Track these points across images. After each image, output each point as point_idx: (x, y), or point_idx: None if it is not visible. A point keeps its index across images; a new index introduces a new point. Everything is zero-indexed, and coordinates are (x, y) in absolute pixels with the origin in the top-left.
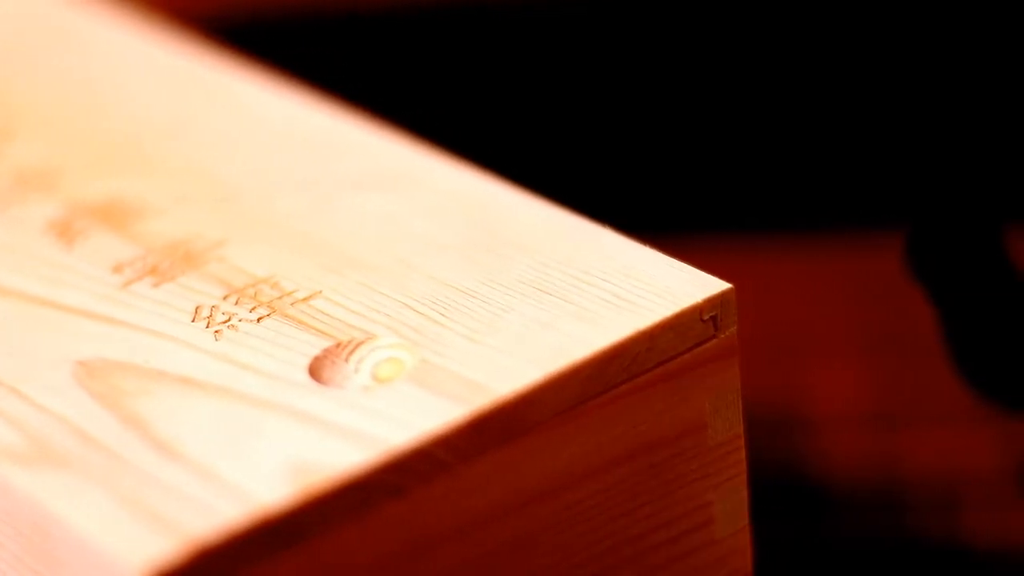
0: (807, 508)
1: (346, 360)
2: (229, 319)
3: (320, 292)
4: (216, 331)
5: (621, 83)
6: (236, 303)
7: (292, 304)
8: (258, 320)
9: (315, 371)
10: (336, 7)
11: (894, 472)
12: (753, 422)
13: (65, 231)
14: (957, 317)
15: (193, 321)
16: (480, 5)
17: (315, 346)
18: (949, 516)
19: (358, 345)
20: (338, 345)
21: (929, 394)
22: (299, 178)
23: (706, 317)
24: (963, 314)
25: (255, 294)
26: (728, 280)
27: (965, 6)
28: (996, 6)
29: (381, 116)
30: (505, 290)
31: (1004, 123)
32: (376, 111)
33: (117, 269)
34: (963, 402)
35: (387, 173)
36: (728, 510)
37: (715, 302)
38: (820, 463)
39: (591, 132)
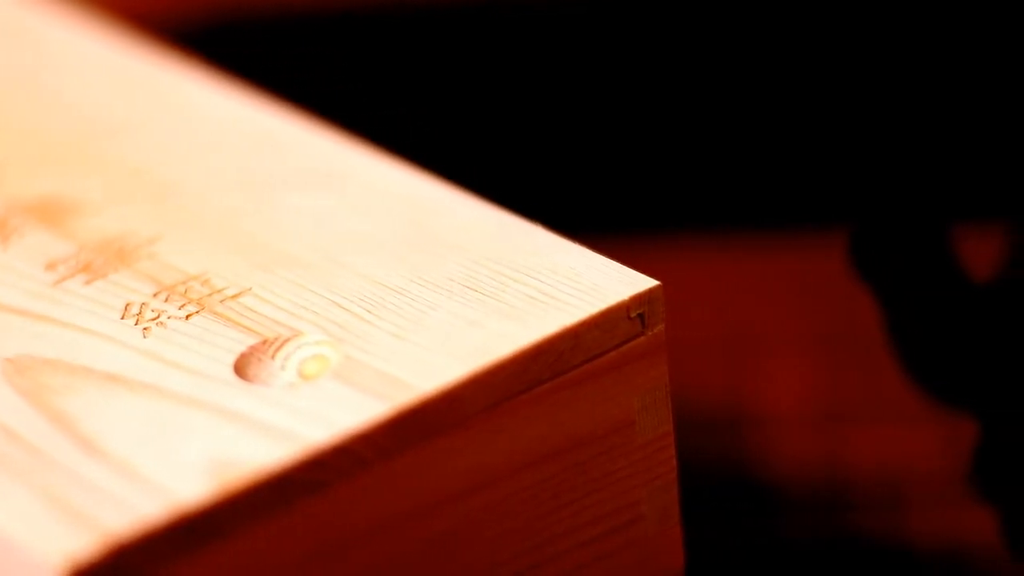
0: (754, 506)
1: (272, 357)
2: (158, 316)
3: (250, 289)
4: (145, 328)
5: (577, 81)
6: (166, 300)
7: (221, 301)
8: (187, 317)
9: (241, 368)
10: (286, 9)
11: (841, 471)
12: (701, 421)
13: (0, 229)
14: (902, 315)
15: (122, 318)
16: (415, 6)
17: (242, 343)
18: (895, 515)
19: (285, 342)
20: (264, 342)
21: (877, 393)
22: (238, 176)
23: (633, 315)
24: (908, 312)
25: (185, 291)
26: (677, 280)
27: (907, 5)
28: (939, 6)
29: (325, 115)
30: (434, 288)
31: (949, 122)
32: (321, 110)
33: (50, 267)
34: (910, 401)
35: (326, 172)
36: (658, 508)
37: (642, 300)
38: (768, 462)
39: (546, 133)
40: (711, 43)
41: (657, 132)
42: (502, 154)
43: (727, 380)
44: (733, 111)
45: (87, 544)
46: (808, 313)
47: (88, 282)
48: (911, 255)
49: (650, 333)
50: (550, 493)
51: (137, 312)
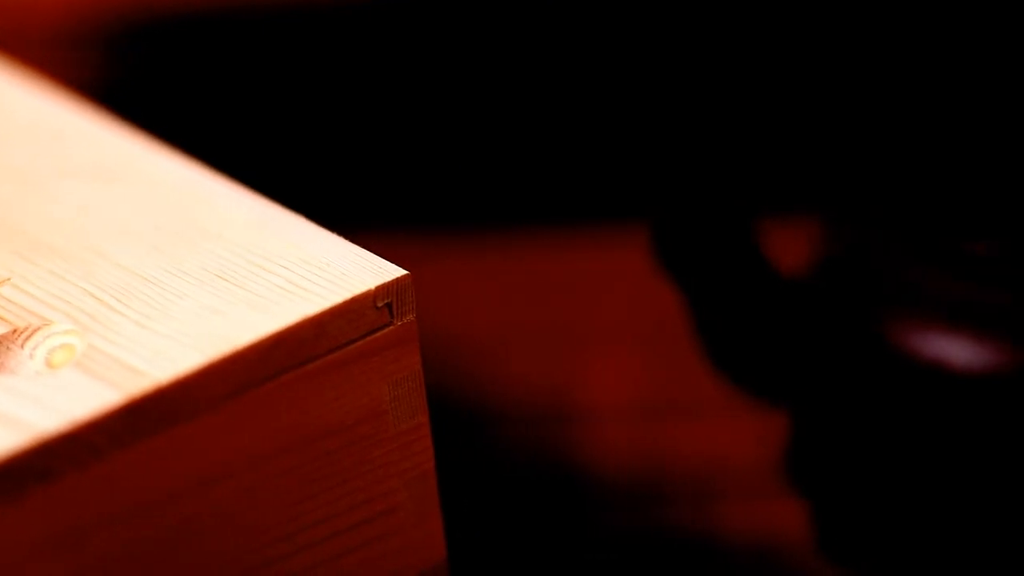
0: (573, 500)
1: (21, 347)
2: None
3: (9, 279)
4: None
5: (384, 76)
6: None
7: None
8: None
9: None
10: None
11: (658, 464)
12: (522, 416)
13: None
14: (706, 309)
15: None
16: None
17: None
18: (709, 508)
19: (34, 332)
20: (14, 331)
21: (696, 387)
22: (14, 168)
23: (380, 304)
24: (712, 306)
25: None
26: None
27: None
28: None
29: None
30: (186, 277)
31: (758, 116)
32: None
33: None
34: (728, 395)
35: (101, 164)
36: (415, 498)
37: (389, 289)
38: (588, 456)
39: (367, 130)
40: (511, 35)
41: (481, 127)
42: (323, 151)
43: (549, 375)
44: (552, 106)
45: None
46: (629, 308)
47: None
48: (714, 248)
49: (399, 323)
50: (298, 482)
51: None
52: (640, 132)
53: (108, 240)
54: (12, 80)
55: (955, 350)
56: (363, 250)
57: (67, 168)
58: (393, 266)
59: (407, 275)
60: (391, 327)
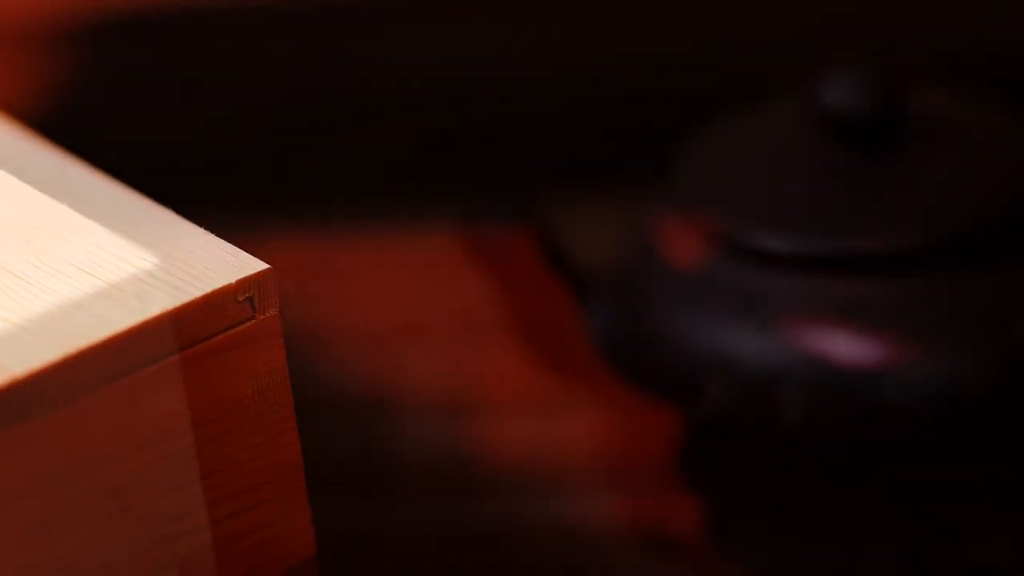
0: (467, 492)
1: None
2: None
3: None
4: None
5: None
6: None
7: None
8: None
9: None
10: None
11: (554, 458)
12: (419, 409)
13: None
14: (599, 303)
15: None
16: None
17: None
18: (606, 500)
19: None
20: None
21: (590, 381)
22: None
23: (241, 298)
24: (601, 298)
25: None
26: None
27: None
28: None
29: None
30: (52, 272)
31: (650, 111)
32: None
33: None
34: (621, 389)
35: None
36: (281, 492)
37: (251, 283)
38: (483, 449)
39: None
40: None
41: (375, 122)
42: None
43: (446, 369)
44: (459, 101)
45: None
46: (523, 302)
47: None
48: (606, 243)
49: (261, 317)
50: (161, 476)
51: None
52: (526, 128)
53: None
54: None
55: (842, 344)
56: (227, 244)
57: None
58: (256, 260)
59: (269, 269)
60: (253, 321)
